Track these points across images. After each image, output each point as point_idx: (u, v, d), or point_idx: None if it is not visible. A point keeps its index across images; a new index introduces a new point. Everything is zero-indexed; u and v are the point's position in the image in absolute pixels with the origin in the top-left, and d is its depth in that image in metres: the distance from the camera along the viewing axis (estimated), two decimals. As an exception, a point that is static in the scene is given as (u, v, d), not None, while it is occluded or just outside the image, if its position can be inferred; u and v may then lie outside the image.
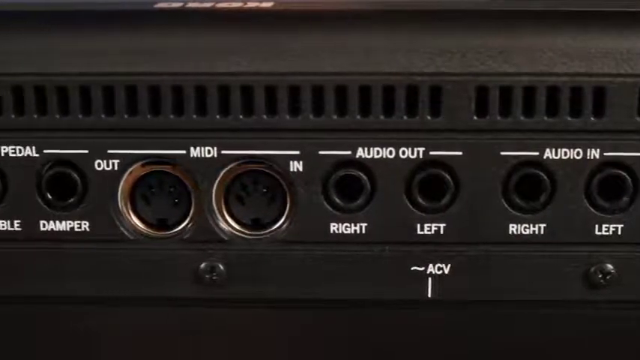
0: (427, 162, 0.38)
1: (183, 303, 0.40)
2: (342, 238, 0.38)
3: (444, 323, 0.41)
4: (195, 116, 0.38)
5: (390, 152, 0.38)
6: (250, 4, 0.40)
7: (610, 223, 0.38)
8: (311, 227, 0.38)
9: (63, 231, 0.39)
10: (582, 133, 0.37)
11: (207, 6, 0.40)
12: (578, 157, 0.38)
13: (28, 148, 0.38)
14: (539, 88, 0.37)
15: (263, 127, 0.38)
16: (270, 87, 0.37)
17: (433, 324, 0.41)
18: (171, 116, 0.38)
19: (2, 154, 0.38)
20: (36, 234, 0.39)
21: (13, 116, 0.38)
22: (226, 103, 0.38)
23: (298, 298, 0.40)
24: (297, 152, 0.38)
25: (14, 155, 0.38)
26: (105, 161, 0.38)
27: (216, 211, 0.39)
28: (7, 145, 0.38)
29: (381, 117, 0.37)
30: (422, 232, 0.38)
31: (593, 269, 0.39)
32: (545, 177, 0.38)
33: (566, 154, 0.37)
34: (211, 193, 0.38)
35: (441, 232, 0.38)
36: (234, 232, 0.39)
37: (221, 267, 0.39)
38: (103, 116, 0.38)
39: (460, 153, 0.38)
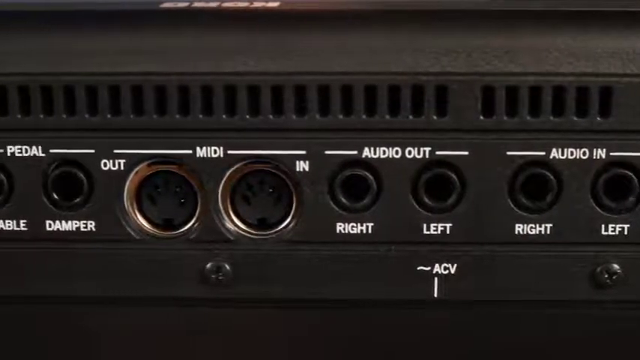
0: (433, 162, 0.38)
1: (189, 303, 0.40)
2: (348, 238, 0.38)
3: (450, 323, 0.41)
4: (201, 116, 0.38)
5: (396, 152, 0.38)
6: (256, 4, 0.40)
7: (616, 223, 0.38)
8: (317, 227, 0.38)
9: (69, 231, 0.39)
10: (588, 133, 0.37)
11: (213, 6, 0.40)
12: (584, 157, 0.37)
13: (34, 147, 0.38)
14: (546, 87, 0.37)
15: (269, 127, 0.38)
16: (276, 87, 0.37)
17: (439, 324, 0.41)
18: (178, 116, 0.38)
19: (8, 154, 0.38)
20: (42, 234, 0.39)
21: (19, 116, 0.38)
22: (232, 102, 0.37)
23: (304, 298, 0.40)
24: (304, 152, 0.38)
25: (20, 155, 0.38)
26: (111, 161, 0.38)
27: (222, 211, 0.39)
28: (14, 145, 0.38)
29: (387, 117, 0.37)
30: (428, 232, 0.38)
31: (599, 269, 0.39)
32: (552, 177, 0.38)
33: (572, 154, 0.37)
34: (217, 192, 0.38)
35: (447, 231, 0.38)
36: (241, 232, 0.39)
37: (227, 267, 0.39)
38: (109, 116, 0.38)
39: (466, 153, 0.38)
